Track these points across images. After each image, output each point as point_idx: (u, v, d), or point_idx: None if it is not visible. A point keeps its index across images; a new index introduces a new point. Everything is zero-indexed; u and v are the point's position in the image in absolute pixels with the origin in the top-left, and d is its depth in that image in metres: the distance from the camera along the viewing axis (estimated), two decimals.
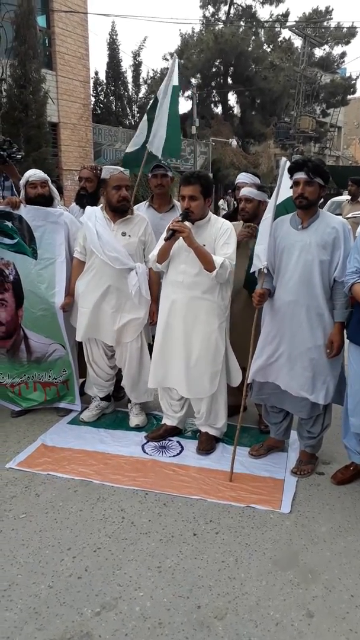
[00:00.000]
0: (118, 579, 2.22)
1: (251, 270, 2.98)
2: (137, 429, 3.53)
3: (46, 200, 3.50)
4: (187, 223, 2.90)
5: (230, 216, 3.93)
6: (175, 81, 4.06)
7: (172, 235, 2.83)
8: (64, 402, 3.78)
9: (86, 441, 3.36)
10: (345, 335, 2.79)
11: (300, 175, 2.67)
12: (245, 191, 3.31)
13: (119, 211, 3.28)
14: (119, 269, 3.24)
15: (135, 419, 3.58)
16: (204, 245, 2.94)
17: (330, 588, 2.17)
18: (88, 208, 3.43)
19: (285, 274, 2.81)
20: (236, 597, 2.12)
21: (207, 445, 3.23)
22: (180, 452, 3.24)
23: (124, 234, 3.29)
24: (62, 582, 2.20)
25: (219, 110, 26.89)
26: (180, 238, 2.86)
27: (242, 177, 3.68)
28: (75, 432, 3.50)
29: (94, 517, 2.62)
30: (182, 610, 2.06)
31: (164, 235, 2.92)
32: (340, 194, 15.46)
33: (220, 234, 2.98)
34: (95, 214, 3.31)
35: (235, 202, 3.90)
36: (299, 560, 2.33)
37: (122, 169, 3.32)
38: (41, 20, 13.39)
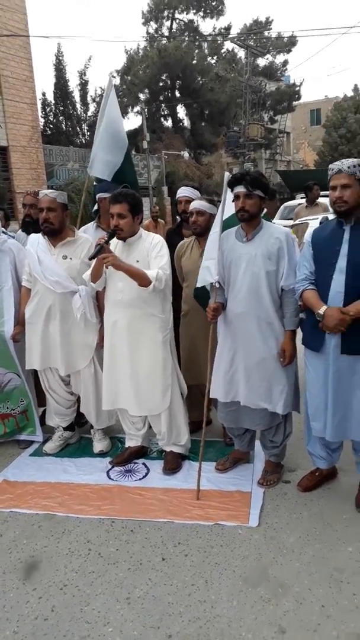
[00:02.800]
0: (86, 616, 2.15)
1: (198, 285, 2.98)
2: (102, 454, 3.46)
3: None
4: (118, 242, 2.91)
5: (174, 231, 3.92)
6: (111, 103, 3.93)
7: (96, 254, 2.81)
8: (24, 433, 3.67)
9: (49, 473, 3.27)
10: (300, 342, 2.81)
11: (240, 189, 2.69)
12: (196, 204, 3.25)
13: (47, 234, 3.24)
14: (62, 292, 3.19)
15: (98, 445, 3.51)
16: (138, 261, 2.95)
17: (301, 600, 2.15)
18: (32, 235, 3.38)
19: (234, 286, 2.82)
20: (207, 622, 2.08)
21: (172, 464, 3.19)
22: (146, 474, 3.19)
23: (64, 257, 3.26)
24: (27, 626, 2.12)
25: (169, 123, 27.17)
26: (104, 262, 2.85)
27: (183, 191, 3.67)
28: (37, 464, 3.40)
29: (60, 552, 2.54)
30: None
31: (90, 254, 2.91)
32: (294, 198, 15.72)
33: (151, 247, 3.00)
34: (37, 240, 3.28)
35: (178, 217, 3.89)
36: (269, 575, 2.31)
37: (49, 191, 3.26)
38: None
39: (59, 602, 2.23)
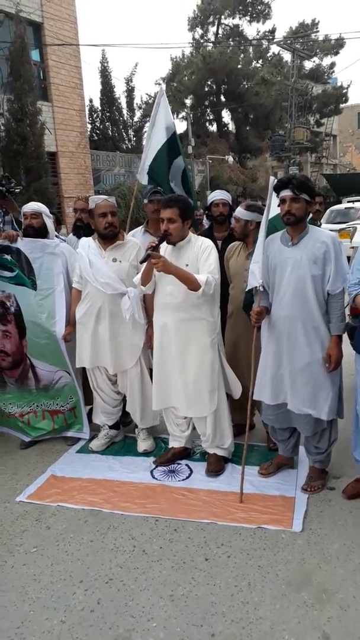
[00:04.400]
0: (131, 610, 2.20)
1: (247, 288, 3.00)
2: (146, 454, 3.52)
3: (35, 232, 3.55)
4: (167, 246, 2.99)
5: (206, 233, 3.96)
6: (165, 121, 3.92)
7: (147, 258, 2.87)
8: (72, 430, 3.79)
9: (95, 470, 3.35)
10: (352, 347, 2.79)
11: (286, 193, 2.71)
12: (236, 210, 3.39)
13: (107, 237, 3.34)
14: (112, 294, 3.28)
15: (143, 444, 3.57)
16: (187, 265, 2.99)
17: (345, 607, 2.13)
18: (83, 239, 3.49)
19: (279, 290, 2.83)
20: (250, 623, 2.09)
21: (215, 466, 3.21)
22: (189, 475, 3.22)
23: (114, 259, 3.35)
24: (74, 617, 2.19)
25: (214, 128, 27.29)
26: (154, 266, 2.91)
27: (219, 195, 3.81)
28: (83, 460, 3.50)
29: (105, 547, 2.61)
30: (195, 639, 2.04)
31: (140, 257, 2.98)
32: (340, 202, 15.46)
33: (201, 252, 3.04)
34: (88, 243, 3.38)
35: (206, 222, 3.98)
36: (313, 580, 2.30)
37: (105, 197, 3.37)
38: (35, 55, 13.77)
39: (105, 595, 2.29)
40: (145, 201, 3.84)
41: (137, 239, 3.59)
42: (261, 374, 2.96)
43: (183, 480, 3.17)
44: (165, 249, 3.09)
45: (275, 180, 2.88)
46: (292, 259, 2.76)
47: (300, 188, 2.68)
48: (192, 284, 2.91)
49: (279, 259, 2.82)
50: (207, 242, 3.11)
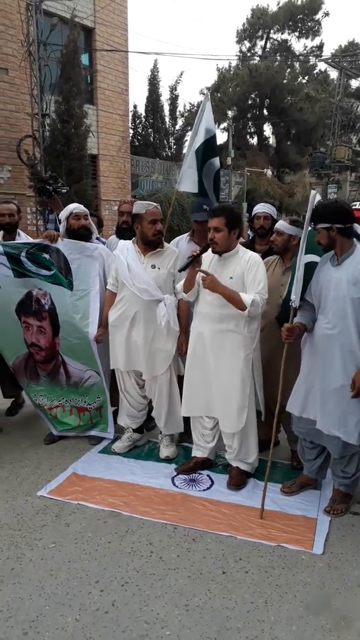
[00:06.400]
0: (145, 616, 2.19)
1: (292, 297, 2.96)
2: (167, 460, 3.51)
3: (88, 232, 3.63)
4: (214, 256, 2.98)
5: (248, 246, 3.95)
6: (207, 123, 3.98)
7: (186, 267, 2.87)
8: (95, 429, 3.82)
9: (116, 471, 3.37)
10: None
11: (320, 225, 2.74)
12: (278, 224, 3.35)
13: (153, 244, 3.36)
14: (148, 300, 3.29)
15: (165, 451, 3.57)
16: (231, 278, 2.97)
17: None
18: (121, 242, 3.53)
19: (324, 309, 2.81)
20: None
21: (238, 480, 3.19)
22: (211, 486, 3.21)
23: (153, 266, 3.36)
24: (89, 616, 2.19)
25: (254, 141, 27.31)
26: (202, 282, 2.92)
27: (261, 208, 3.79)
28: (105, 461, 3.52)
29: (123, 550, 2.62)
30: None
31: (180, 265, 3.00)
32: None
33: (248, 267, 3.01)
34: (127, 247, 3.41)
35: (250, 233, 3.96)
36: (332, 605, 2.25)
37: (155, 204, 3.41)
38: (84, 59, 14.04)
39: (120, 598, 2.29)
40: (195, 218, 3.81)
41: (180, 248, 3.61)
42: (297, 387, 2.95)
43: (204, 490, 3.15)
44: (211, 259, 3.08)
45: (317, 194, 2.87)
46: (335, 279, 2.74)
47: (319, 219, 2.72)
48: (238, 304, 2.90)
49: (325, 278, 2.80)
50: (256, 257, 3.07)
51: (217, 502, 3.03)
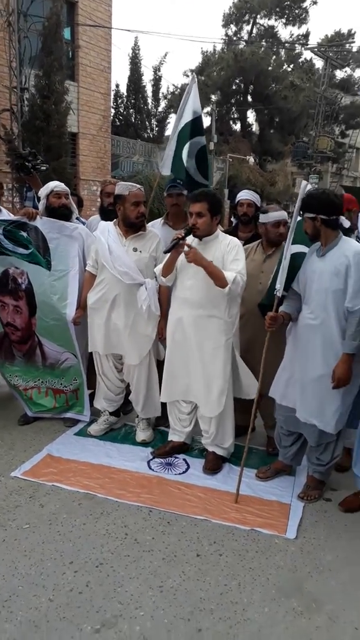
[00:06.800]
0: (119, 597, 2.20)
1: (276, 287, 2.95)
2: (144, 444, 3.51)
3: (69, 212, 3.54)
4: (194, 240, 2.95)
5: (230, 233, 3.93)
6: (193, 105, 3.92)
7: (171, 249, 2.84)
8: (71, 412, 3.78)
9: (92, 454, 3.35)
10: None
11: (307, 215, 2.74)
12: (273, 214, 3.25)
13: (135, 227, 3.31)
14: (129, 284, 3.25)
15: (142, 434, 3.56)
16: (211, 261, 2.96)
17: (334, 619, 2.13)
18: (102, 223, 3.46)
19: (307, 300, 2.82)
20: (238, 623, 2.09)
21: (213, 464, 3.21)
22: (186, 470, 3.22)
23: (135, 249, 3.32)
24: (62, 596, 2.19)
25: (237, 127, 27.12)
26: (185, 255, 2.90)
27: (245, 195, 3.77)
28: (81, 443, 3.49)
29: (97, 532, 2.61)
30: (182, 632, 2.04)
31: (164, 247, 2.94)
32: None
33: (228, 250, 3.01)
34: (108, 228, 3.34)
35: (233, 220, 3.95)
36: (303, 589, 2.29)
37: (138, 185, 3.34)
38: (66, 33, 13.62)
39: (94, 579, 2.29)
40: (165, 194, 3.79)
41: (156, 231, 3.57)
42: (279, 374, 2.97)
43: (180, 474, 3.16)
44: (191, 242, 3.06)
45: (308, 185, 2.86)
46: (318, 270, 2.75)
47: (306, 209, 2.74)
48: (219, 281, 2.88)
49: (310, 269, 2.81)
50: (236, 241, 3.08)
51: (193, 485, 3.05)
